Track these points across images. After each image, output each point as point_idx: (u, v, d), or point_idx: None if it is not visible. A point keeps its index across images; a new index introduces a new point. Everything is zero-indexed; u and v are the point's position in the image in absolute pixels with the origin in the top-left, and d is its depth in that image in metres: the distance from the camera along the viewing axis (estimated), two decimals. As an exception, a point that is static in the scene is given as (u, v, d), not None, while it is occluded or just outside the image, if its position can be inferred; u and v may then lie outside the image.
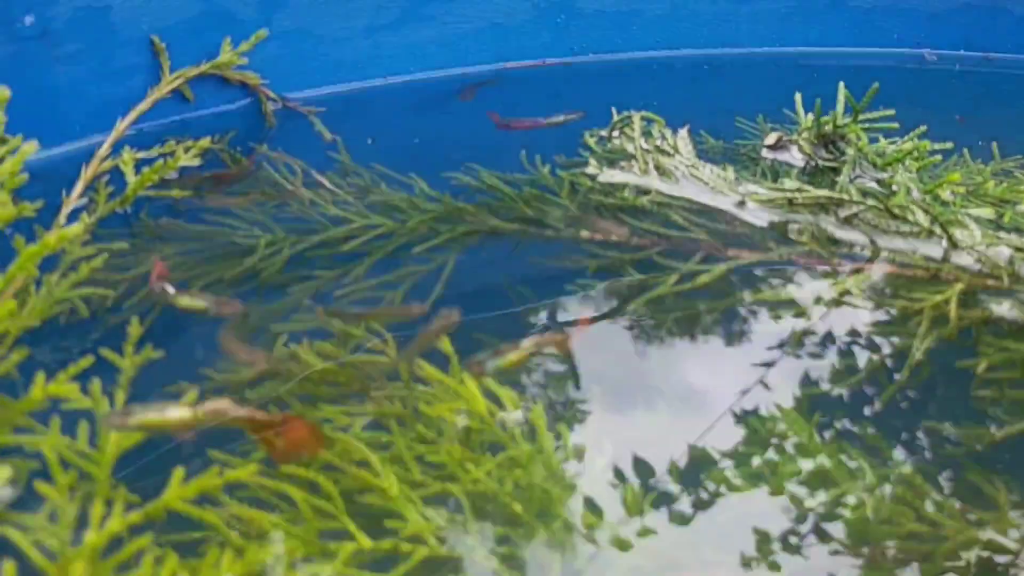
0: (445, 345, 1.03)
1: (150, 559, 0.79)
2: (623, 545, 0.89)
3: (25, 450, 0.87)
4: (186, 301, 0.99)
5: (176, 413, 0.86)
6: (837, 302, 1.07)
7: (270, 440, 0.94)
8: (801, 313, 1.05)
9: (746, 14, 1.74)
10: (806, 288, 1.07)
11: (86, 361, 0.86)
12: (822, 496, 0.90)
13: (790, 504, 0.92)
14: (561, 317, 1.13)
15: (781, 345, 1.05)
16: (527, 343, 1.03)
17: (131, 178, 1.04)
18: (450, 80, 1.60)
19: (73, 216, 1.04)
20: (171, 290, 1.00)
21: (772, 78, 1.75)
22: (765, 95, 1.64)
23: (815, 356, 1.04)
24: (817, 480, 0.92)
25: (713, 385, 1.05)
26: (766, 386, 1.02)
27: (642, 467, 0.97)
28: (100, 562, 0.78)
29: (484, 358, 1.03)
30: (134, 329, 0.95)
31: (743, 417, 1.00)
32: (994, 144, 1.36)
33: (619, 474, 0.96)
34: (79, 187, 1.05)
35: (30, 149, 0.91)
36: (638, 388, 1.05)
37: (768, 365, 1.04)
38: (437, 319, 1.03)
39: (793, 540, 0.90)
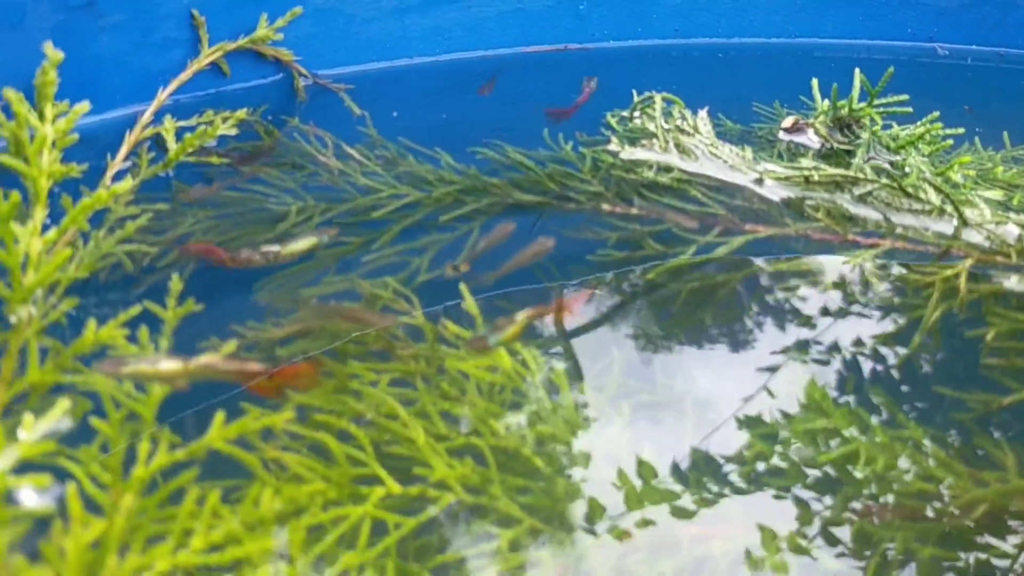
0: (470, 307, 1.07)
1: (193, 494, 0.84)
2: (643, 497, 0.92)
3: (75, 390, 0.92)
4: (294, 248, 0.99)
5: (168, 365, 0.88)
6: (852, 279, 1.11)
7: (263, 385, 0.96)
8: (816, 284, 1.09)
9: (762, 5, 1.78)
10: (823, 261, 1.11)
11: (135, 310, 0.91)
12: (834, 451, 0.94)
13: (801, 460, 0.95)
14: (572, 287, 1.17)
15: (798, 315, 1.09)
16: (521, 315, 1.07)
17: (172, 144, 1.08)
18: (474, 62, 1.64)
19: (117, 179, 1.08)
20: (275, 248, 0.99)
21: (787, 68, 1.78)
22: (780, 84, 1.68)
23: (830, 325, 1.07)
24: (829, 439, 0.96)
25: (731, 354, 1.09)
26: (784, 353, 1.06)
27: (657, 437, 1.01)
28: (146, 496, 0.82)
29: (485, 334, 1.07)
30: (175, 284, 0.99)
31: (762, 386, 1.04)
32: (1005, 133, 1.40)
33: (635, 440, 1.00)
34: (123, 151, 1.09)
35: (83, 109, 0.95)
36: (656, 356, 1.09)
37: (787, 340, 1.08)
38: (534, 244, 1.08)
39: (801, 495, 0.94)
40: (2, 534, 0.51)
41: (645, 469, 0.96)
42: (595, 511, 0.93)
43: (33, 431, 0.71)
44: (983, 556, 0.87)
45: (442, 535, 0.91)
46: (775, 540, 0.89)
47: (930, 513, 0.90)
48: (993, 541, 0.88)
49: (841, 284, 1.10)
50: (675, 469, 0.97)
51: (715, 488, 0.95)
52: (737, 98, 1.61)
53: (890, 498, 0.92)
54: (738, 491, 0.95)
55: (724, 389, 1.08)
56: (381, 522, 0.91)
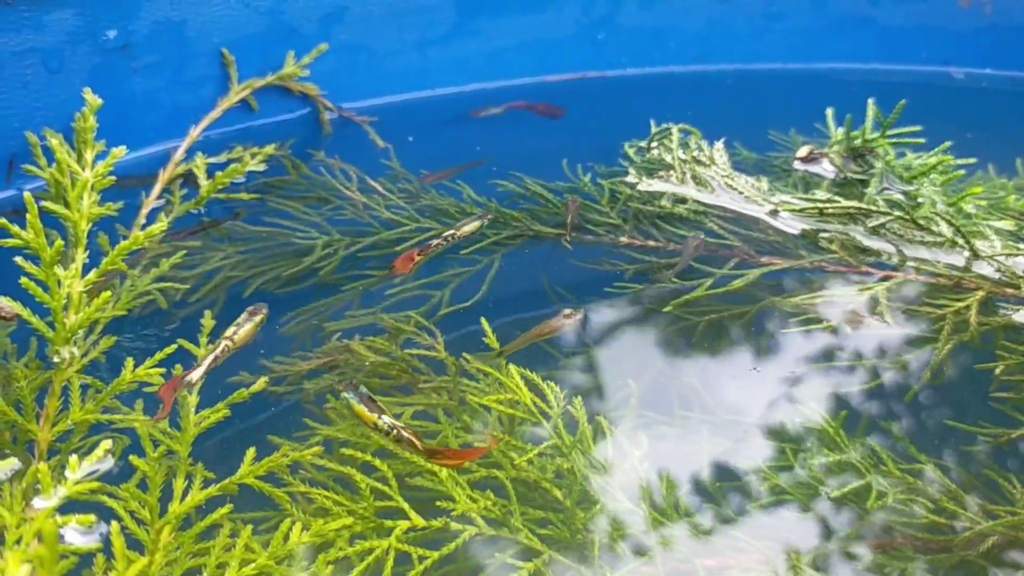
0: (491, 341, 1.10)
1: (227, 529, 0.87)
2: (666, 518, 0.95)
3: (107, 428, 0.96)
4: (466, 230, 1.19)
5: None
6: (866, 311, 1.13)
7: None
8: (830, 316, 1.11)
9: (779, 31, 1.80)
10: (837, 293, 1.13)
11: (170, 349, 0.95)
12: (847, 485, 0.96)
13: (815, 495, 0.98)
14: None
15: (812, 347, 1.11)
16: (519, 340, 1.11)
17: (203, 181, 1.13)
18: (496, 92, 1.68)
19: (151, 216, 1.13)
20: (452, 231, 1.17)
21: (803, 93, 1.80)
22: (797, 109, 1.70)
23: (843, 358, 1.09)
24: (841, 470, 0.98)
25: (747, 386, 1.11)
26: (797, 386, 1.09)
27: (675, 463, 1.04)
28: (182, 532, 0.86)
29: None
30: (207, 321, 1.03)
31: (776, 415, 1.07)
32: (1018, 161, 1.41)
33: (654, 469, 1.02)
34: (157, 189, 1.13)
35: (120, 153, 1.00)
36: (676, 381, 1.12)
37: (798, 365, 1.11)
38: (691, 239, 1.16)
39: (816, 529, 0.96)
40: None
41: (664, 499, 0.99)
42: (615, 542, 0.96)
43: (78, 471, 0.75)
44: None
45: (465, 567, 0.95)
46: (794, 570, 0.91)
47: (941, 544, 0.92)
48: (1002, 572, 0.90)
49: (854, 316, 1.12)
50: (692, 502, 1.00)
51: (732, 518, 0.98)
52: (754, 124, 1.64)
53: (902, 529, 0.94)
54: (754, 524, 0.98)
55: (740, 420, 1.10)
56: (405, 554, 0.94)
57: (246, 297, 1.19)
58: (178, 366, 0.97)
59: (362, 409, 0.95)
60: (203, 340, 1.00)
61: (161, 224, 0.96)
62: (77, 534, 0.75)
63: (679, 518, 0.98)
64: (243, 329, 1.01)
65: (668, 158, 1.33)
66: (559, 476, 1.00)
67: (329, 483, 0.98)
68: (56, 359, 0.91)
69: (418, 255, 1.17)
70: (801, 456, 1.02)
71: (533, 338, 1.10)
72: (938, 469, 0.96)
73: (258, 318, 1.05)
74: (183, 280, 1.17)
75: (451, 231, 1.19)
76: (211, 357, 0.96)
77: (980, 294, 1.07)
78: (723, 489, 1.00)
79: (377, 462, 0.98)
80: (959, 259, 1.13)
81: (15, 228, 0.89)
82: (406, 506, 0.95)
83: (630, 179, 1.32)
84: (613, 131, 1.55)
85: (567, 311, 1.11)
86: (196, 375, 0.93)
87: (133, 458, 0.85)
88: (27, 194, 0.90)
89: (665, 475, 1.00)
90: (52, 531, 0.60)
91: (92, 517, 0.73)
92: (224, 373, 1.07)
